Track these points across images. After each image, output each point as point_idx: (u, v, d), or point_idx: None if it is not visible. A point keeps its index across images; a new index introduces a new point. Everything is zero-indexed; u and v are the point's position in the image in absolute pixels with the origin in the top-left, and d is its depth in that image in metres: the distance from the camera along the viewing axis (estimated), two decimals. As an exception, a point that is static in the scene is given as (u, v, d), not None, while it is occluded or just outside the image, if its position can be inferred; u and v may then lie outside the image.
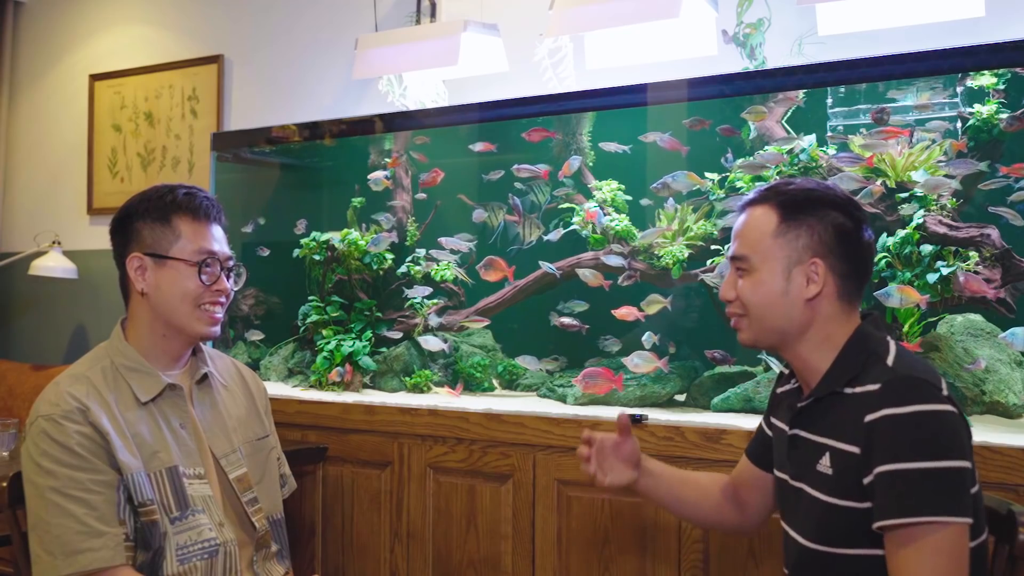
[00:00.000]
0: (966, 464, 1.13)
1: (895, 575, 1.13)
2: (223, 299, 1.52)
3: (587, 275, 2.43)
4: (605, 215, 2.46)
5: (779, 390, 1.43)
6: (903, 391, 1.14)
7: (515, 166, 2.59)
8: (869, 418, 1.16)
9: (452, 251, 2.70)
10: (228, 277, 1.54)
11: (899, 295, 1.96)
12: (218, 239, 1.53)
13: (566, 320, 2.46)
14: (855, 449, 1.18)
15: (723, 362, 2.25)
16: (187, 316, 1.48)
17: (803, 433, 1.30)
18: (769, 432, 1.46)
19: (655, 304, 2.31)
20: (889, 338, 1.26)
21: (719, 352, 2.25)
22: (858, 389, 1.20)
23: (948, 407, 1.14)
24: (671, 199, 2.37)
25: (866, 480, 1.16)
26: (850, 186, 2.05)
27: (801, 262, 1.24)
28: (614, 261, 2.41)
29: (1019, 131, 2.01)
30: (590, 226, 2.48)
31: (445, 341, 2.62)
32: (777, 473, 1.39)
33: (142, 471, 1.40)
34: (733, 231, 1.33)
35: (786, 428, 1.34)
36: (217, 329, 1.52)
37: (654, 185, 2.35)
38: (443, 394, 2.48)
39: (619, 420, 1.52)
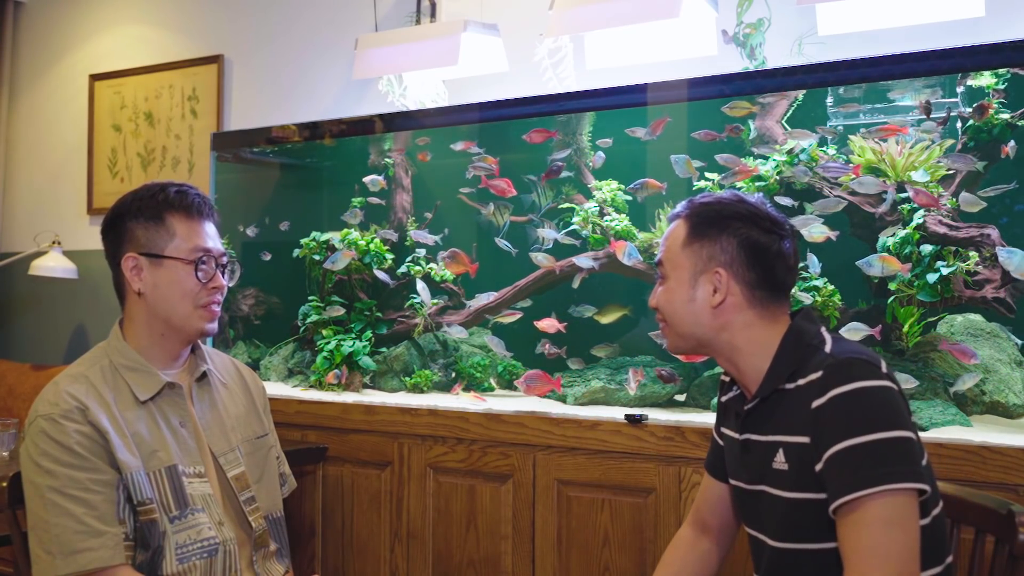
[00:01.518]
0: (910, 434, 1.15)
1: (848, 552, 1.13)
2: (219, 296, 1.53)
3: (540, 259, 2.48)
4: (605, 215, 2.46)
5: (723, 398, 1.45)
6: (844, 371, 1.18)
7: (471, 165, 2.67)
8: (816, 403, 1.19)
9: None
10: (223, 273, 1.54)
11: (880, 264, 1.96)
12: (211, 236, 1.53)
13: (549, 347, 2.49)
14: (805, 439, 1.20)
15: (670, 380, 2.25)
16: (185, 314, 1.48)
17: (753, 436, 1.32)
18: (721, 442, 1.47)
19: (613, 312, 2.41)
20: (823, 329, 1.30)
21: (666, 370, 2.26)
22: (801, 381, 1.23)
23: (887, 383, 1.17)
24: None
25: (818, 468, 1.18)
26: (870, 190, 2.04)
27: (706, 271, 1.31)
28: (585, 264, 2.43)
29: (982, 123, 2.02)
30: (591, 226, 2.48)
31: (434, 304, 2.65)
32: (732, 482, 1.40)
33: (141, 470, 1.40)
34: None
35: (736, 435, 1.36)
36: (215, 325, 1.53)
37: (632, 185, 2.36)
38: (469, 398, 2.42)
39: None
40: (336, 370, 2.61)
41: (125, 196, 1.52)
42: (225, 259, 1.55)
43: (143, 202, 1.49)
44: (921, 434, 1.41)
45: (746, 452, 1.33)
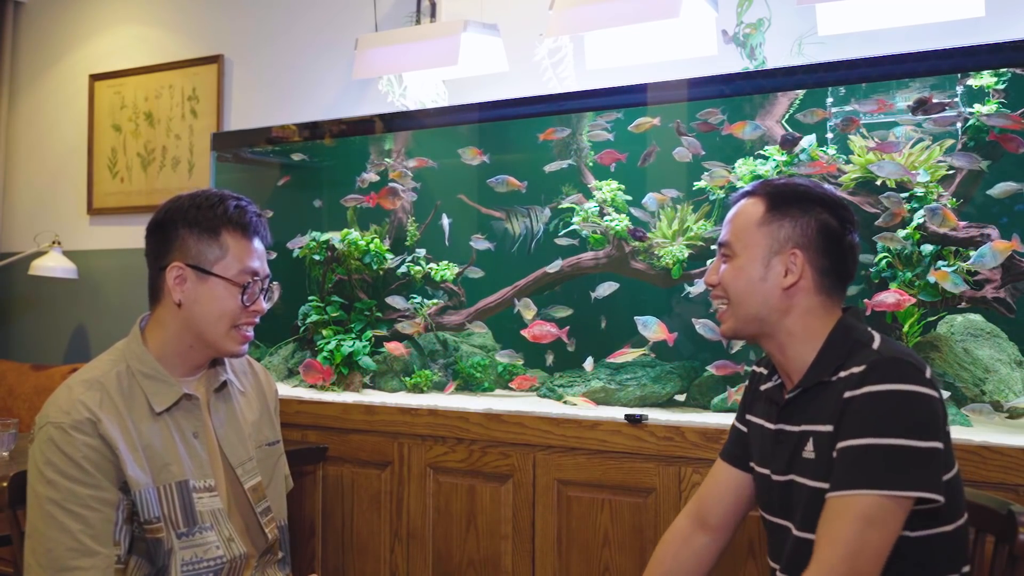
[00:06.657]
0: (937, 445, 1.15)
1: (820, 537, 1.14)
2: (257, 319, 1.49)
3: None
4: (605, 215, 2.46)
5: (761, 387, 1.43)
6: (886, 370, 1.17)
7: (344, 198, 2.82)
8: (848, 394, 1.18)
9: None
10: (264, 296, 1.49)
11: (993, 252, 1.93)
12: (261, 256, 1.48)
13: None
14: (830, 428, 1.21)
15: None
16: (220, 334, 1.44)
17: (786, 427, 1.31)
18: (744, 428, 1.45)
19: (528, 310, 2.48)
20: (871, 329, 1.29)
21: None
22: (842, 374, 1.23)
23: (928, 389, 1.17)
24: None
25: (834, 455, 1.18)
26: (892, 174, 2.03)
27: (781, 252, 1.30)
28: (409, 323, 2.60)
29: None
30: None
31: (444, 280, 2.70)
32: (757, 468, 1.38)
33: (151, 486, 1.37)
34: (725, 220, 1.39)
35: (769, 424, 1.36)
36: (247, 348, 1.49)
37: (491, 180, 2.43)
38: (580, 403, 2.32)
39: None
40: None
41: (181, 200, 1.46)
42: (268, 281, 1.50)
43: (200, 212, 1.43)
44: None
45: (778, 443, 1.32)
